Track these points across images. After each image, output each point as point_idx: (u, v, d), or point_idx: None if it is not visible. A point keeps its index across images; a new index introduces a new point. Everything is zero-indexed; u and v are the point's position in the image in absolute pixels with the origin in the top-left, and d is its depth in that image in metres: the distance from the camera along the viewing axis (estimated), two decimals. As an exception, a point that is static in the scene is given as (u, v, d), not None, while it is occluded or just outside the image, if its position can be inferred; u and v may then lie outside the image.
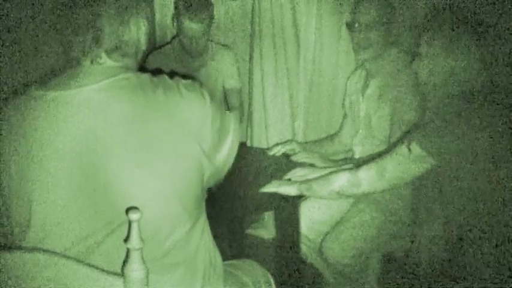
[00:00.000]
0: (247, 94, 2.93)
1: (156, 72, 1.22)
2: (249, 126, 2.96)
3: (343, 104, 2.36)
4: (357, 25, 2.03)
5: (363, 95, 2.14)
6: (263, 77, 2.85)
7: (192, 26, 2.35)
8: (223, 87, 2.66)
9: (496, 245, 1.44)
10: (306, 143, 2.41)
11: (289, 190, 1.79)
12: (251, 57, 2.89)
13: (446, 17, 1.57)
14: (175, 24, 2.44)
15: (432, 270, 1.62)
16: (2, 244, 1.17)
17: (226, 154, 1.23)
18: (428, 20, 1.64)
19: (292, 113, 2.87)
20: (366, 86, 2.14)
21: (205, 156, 1.16)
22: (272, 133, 2.89)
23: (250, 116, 2.92)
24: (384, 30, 2.01)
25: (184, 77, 1.25)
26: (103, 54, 1.14)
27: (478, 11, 1.74)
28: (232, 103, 2.63)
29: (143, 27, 1.19)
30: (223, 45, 2.72)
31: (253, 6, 2.83)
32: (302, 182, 1.80)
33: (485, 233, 1.46)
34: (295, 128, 2.88)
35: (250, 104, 2.92)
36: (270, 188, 1.80)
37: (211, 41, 2.62)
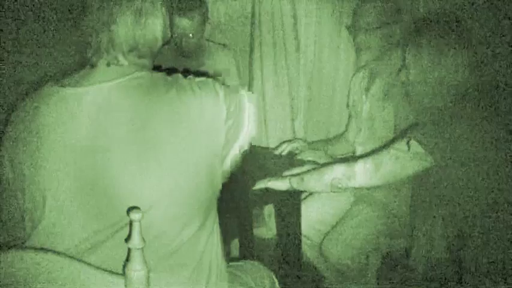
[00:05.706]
0: (247, 93, 2.93)
1: (172, 70, 1.21)
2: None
3: (347, 103, 2.35)
4: (357, 28, 2.03)
5: (366, 95, 2.14)
6: (263, 77, 2.85)
7: (182, 23, 2.34)
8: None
9: (496, 244, 1.44)
10: (313, 142, 2.40)
11: (279, 185, 1.74)
12: (251, 57, 2.89)
13: (432, 28, 1.57)
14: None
15: (432, 270, 1.62)
16: (7, 243, 1.17)
17: (239, 147, 1.21)
18: (412, 32, 1.63)
19: (292, 112, 2.87)
20: (369, 85, 2.14)
21: (218, 156, 1.14)
22: (272, 132, 2.90)
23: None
24: (384, 32, 2.00)
25: (202, 74, 1.23)
26: (120, 56, 1.13)
27: (461, 18, 1.74)
28: None
29: (159, 27, 1.17)
30: (221, 44, 2.72)
31: (253, 6, 2.83)
32: (293, 176, 1.77)
33: (485, 232, 1.46)
34: (295, 127, 2.89)
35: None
36: (260, 184, 1.76)
37: (210, 40, 2.62)
